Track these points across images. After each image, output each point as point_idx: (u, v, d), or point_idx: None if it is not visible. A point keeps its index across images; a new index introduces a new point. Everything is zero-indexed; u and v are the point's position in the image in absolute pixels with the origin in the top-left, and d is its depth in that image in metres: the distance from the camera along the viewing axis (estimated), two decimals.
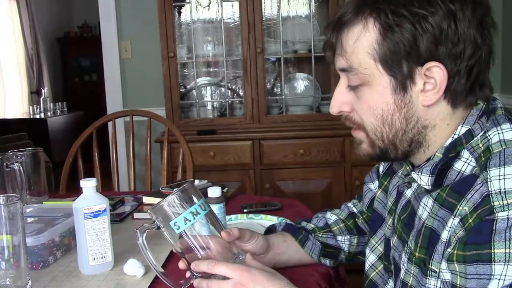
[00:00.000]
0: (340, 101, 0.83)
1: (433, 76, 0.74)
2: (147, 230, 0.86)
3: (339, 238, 1.09)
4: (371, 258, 1.00)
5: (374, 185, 1.07)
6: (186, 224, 0.83)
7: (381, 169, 1.04)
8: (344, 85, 0.82)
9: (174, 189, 0.88)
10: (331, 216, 1.13)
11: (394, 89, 0.76)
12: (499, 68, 3.00)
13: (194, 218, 0.84)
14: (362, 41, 0.76)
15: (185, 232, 0.84)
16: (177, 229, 0.83)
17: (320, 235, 1.08)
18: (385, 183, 0.99)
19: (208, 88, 3.08)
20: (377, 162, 1.03)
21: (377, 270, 0.98)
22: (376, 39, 0.75)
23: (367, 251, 1.01)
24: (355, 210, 1.14)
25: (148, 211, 0.85)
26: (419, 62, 0.74)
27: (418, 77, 0.75)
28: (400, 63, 0.75)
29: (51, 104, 5.94)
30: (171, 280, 0.88)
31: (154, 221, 0.85)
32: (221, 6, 2.88)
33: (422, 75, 0.75)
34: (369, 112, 0.79)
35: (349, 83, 0.81)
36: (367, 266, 1.00)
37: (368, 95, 0.79)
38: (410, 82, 0.76)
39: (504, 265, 0.64)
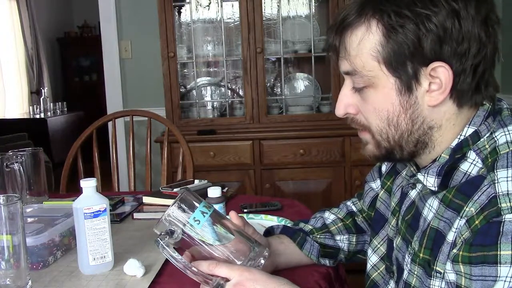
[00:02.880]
0: (346, 103, 0.83)
1: (438, 76, 0.74)
2: (168, 237, 0.83)
3: (337, 237, 1.09)
4: (373, 259, 0.99)
5: (375, 184, 1.06)
6: (204, 216, 0.83)
7: (383, 168, 1.03)
8: (349, 87, 0.82)
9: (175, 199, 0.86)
10: (329, 216, 1.13)
11: (399, 90, 0.76)
12: (499, 68, 3.00)
13: (209, 211, 0.84)
14: (366, 43, 0.76)
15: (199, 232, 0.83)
16: (198, 224, 0.82)
17: (318, 236, 1.08)
18: (388, 183, 0.99)
19: (208, 88, 3.08)
20: (382, 162, 1.03)
21: (379, 271, 0.98)
22: (379, 40, 0.75)
23: (369, 251, 1.01)
24: (354, 208, 1.14)
25: (163, 218, 0.83)
26: (423, 63, 0.74)
27: (423, 78, 0.75)
28: (405, 64, 0.74)
29: (51, 104, 5.94)
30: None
31: (173, 231, 0.83)
32: (221, 6, 2.88)
33: (427, 76, 0.75)
34: (375, 114, 0.79)
35: (354, 85, 0.81)
36: (369, 266, 1.00)
37: (373, 97, 0.78)
38: (415, 83, 0.75)
39: (510, 267, 0.64)
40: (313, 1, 2.90)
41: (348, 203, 1.16)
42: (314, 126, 2.73)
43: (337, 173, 2.69)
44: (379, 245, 0.98)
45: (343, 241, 1.09)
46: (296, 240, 1.05)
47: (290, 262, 1.03)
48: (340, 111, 0.84)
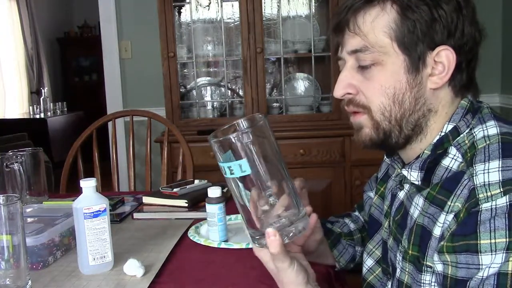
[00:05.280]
0: (346, 83, 0.83)
1: (442, 61, 0.78)
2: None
3: (356, 248, 1.11)
4: (368, 262, 1.01)
5: (373, 193, 1.08)
6: (242, 171, 0.73)
7: (379, 176, 1.05)
8: (351, 67, 0.83)
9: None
10: (350, 223, 1.14)
11: (408, 69, 0.79)
12: (499, 68, 3.00)
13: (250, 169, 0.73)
14: (379, 21, 0.79)
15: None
16: (231, 173, 0.73)
17: (346, 242, 1.09)
18: (382, 189, 1.01)
19: (208, 88, 3.08)
20: (376, 149, 1.02)
21: (374, 274, 0.99)
22: (394, 18, 0.78)
23: (365, 255, 1.02)
24: (363, 220, 1.16)
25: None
26: (431, 47, 0.78)
27: (428, 61, 0.78)
28: (416, 44, 0.78)
29: (51, 104, 5.94)
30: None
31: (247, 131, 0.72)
32: (221, 6, 2.88)
33: (432, 60, 0.78)
34: (380, 91, 0.80)
35: (359, 63, 0.81)
36: (364, 270, 1.01)
37: (380, 74, 0.80)
38: (422, 64, 0.79)
39: (491, 255, 0.66)
40: (313, 1, 2.90)
41: (356, 213, 1.17)
42: (314, 126, 2.73)
43: (337, 173, 2.69)
44: (374, 249, 1.00)
45: (358, 252, 1.10)
46: (330, 239, 1.06)
47: (317, 259, 1.02)
48: (339, 91, 0.84)
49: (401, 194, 0.88)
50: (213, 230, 1.17)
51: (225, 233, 1.18)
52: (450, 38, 0.77)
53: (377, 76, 0.80)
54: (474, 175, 0.71)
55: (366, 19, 0.80)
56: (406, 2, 0.77)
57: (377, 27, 0.79)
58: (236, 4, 2.81)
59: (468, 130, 0.79)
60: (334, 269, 1.10)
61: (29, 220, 1.16)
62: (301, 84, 3.02)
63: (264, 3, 2.82)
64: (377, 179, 1.06)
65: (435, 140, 0.81)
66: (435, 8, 0.76)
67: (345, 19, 0.82)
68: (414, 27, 0.77)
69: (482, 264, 0.67)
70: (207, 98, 3.07)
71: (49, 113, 5.81)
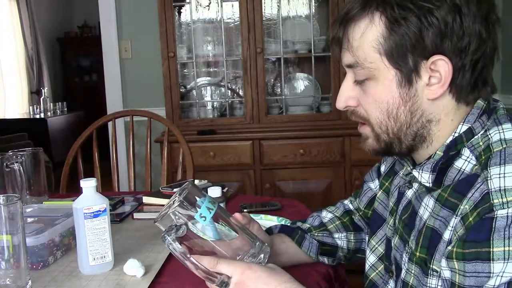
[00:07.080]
0: (347, 96, 0.83)
1: (438, 70, 0.75)
2: (174, 233, 0.80)
3: (335, 235, 1.09)
4: (371, 259, 1.00)
5: (374, 184, 1.07)
6: (210, 212, 0.81)
7: (382, 169, 1.04)
8: (350, 80, 0.83)
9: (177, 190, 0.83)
10: (326, 215, 1.13)
11: (400, 83, 0.77)
12: (499, 68, 3.00)
13: (214, 207, 0.82)
14: (368, 35, 0.77)
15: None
16: (204, 220, 0.80)
17: (316, 234, 1.08)
18: (386, 184, 1.00)
19: (208, 88, 3.08)
20: (382, 157, 1.03)
21: (377, 271, 0.98)
22: (381, 33, 0.76)
23: (367, 251, 1.01)
24: (351, 207, 1.14)
25: (171, 212, 0.81)
26: (424, 56, 0.75)
27: (423, 71, 0.76)
28: (406, 56, 0.75)
29: (51, 104, 5.94)
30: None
31: (176, 225, 0.81)
32: (221, 6, 2.88)
33: (427, 69, 0.75)
34: (375, 106, 0.80)
35: (355, 78, 0.81)
36: (367, 266, 1.00)
37: (374, 89, 0.79)
38: (415, 76, 0.76)
39: (504, 262, 0.65)
40: (313, 1, 2.90)
41: (345, 201, 1.16)
42: (314, 126, 2.73)
43: (337, 173, 2.69)
44: (377, 245, 0.99)
45: (341, 238, 1.09)
46: (295, 238, 1.06)
47: (291, 261, 1.04)
48: (340, 103, 0.84)
49: (409, 193, 0.87)
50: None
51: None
52: (445, 43, 0.73)
53: (371, 91, 0.80)
54: (489, 178, 0.69)
55: (355, 33, 0.78)
56: (393, 15, 0.74)
57: (365, 42, 0.77)
58: (236, 4, 2.81)
59: (483, 131, 0.76)
60: (334, 269, 1.10)
61: (29, 220, 1.16)
62: (301, 84, 3.02)
63: (264, 3, 2.82)
64: (379, 169, 1.05)
65: (448, 141, 0.79)
66: (425, 17, 0.72)
67: (337, 36, 0.82)
68: (402, 41, 0.74)
69: (493, 272, 0.65)
70: (207, 98, 3.07)
71: (49, 113, 5.81)
